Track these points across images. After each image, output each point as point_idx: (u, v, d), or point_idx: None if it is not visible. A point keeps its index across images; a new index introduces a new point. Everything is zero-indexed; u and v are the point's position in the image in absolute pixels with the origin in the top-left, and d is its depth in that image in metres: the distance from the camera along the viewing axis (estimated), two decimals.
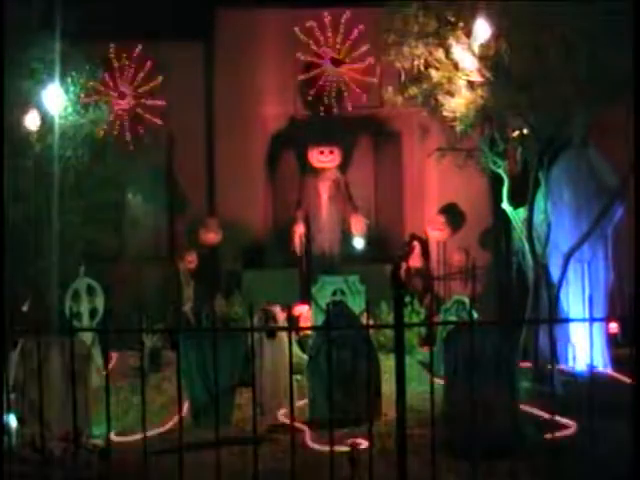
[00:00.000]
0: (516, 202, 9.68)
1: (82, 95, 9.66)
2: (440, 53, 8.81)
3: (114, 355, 10.31)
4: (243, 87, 13.73)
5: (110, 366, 8.58)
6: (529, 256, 9.47)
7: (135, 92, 13.34)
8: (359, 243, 13.79)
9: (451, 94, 8.89)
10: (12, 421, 6.77)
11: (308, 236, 13.78)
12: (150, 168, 13.10)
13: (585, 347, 9.17)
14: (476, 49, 8.57)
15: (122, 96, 12.96)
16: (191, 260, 12.69)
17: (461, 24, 8.70)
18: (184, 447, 5.21)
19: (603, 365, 9.71)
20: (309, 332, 9.72)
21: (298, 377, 8.29)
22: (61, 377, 6.48)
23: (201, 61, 13.91)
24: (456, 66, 8.81)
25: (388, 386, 7.43)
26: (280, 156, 14.55)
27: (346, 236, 13.91)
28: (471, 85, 8.78)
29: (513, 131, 9.39)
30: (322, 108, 13.94)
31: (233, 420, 7.74)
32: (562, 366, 9.52)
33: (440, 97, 8.96)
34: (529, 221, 9.38)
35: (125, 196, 13.01)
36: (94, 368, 8.09)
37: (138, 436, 6.34)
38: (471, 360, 5.46)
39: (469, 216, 13.25)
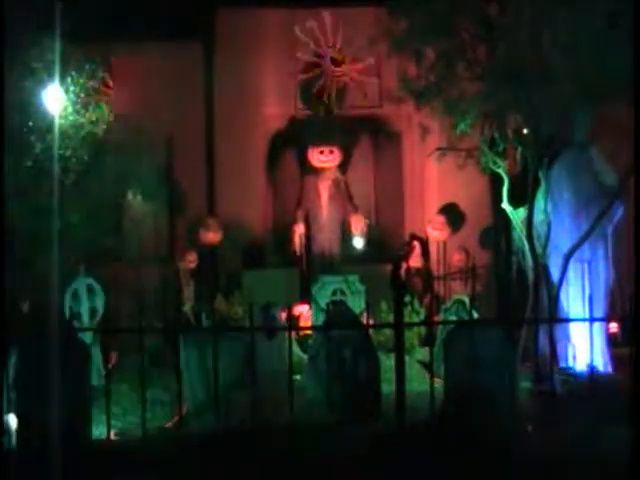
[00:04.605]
0: (516, 202, 9.68)
1: (82, 95, 9.66)
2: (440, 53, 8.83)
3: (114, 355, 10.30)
4: (243, 87, 13.72)
5: (110, 366, 8.58)
6: (529, 256, 9.46)
7: None
8: (359, 243, 13.79)
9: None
10: (12, 421, 6.78)
11: (308, 236, 13.77)
12: (150, 168, 13.08)
13: (585, 347, 9.16)
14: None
15: None
16: (191, 260, 12.69)
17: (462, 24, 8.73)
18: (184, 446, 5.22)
19: (603, 365, 9.71)
20: (309, 332, 9.73)
21: (298, 377, 8.29)
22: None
23: (201, 61, 13.90)
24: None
25: (388, 386, 7.43)
26: (280, 156, 14.55)
27: (346, 236, 13.90)
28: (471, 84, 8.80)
29: (513, 131, 9.39)
30: (322, 108, 13.94)
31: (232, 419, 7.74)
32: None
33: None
34: (529, 221, 9.37)
35: (125, 196, 12.99)
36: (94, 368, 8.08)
37: (138, 435, 6.35)
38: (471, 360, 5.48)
39: (469, 216, 13.24)
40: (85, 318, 10.00)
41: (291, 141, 14.35)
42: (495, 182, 10.70)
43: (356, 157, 14.55)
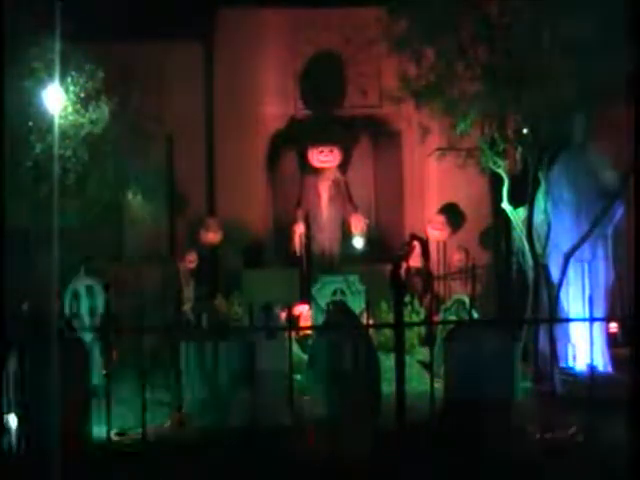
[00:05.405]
0: (516, 202, 9.69)
1: (82, 95, 9.65)
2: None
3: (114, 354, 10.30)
4: (243, 87, 13.72)
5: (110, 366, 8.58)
6: (529, 256, 9.47)
7: None
8: (359, 243, 13.79)
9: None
10: (12, 421, 6.78)
11: (308, 236, 13.77)
12: (150, 168, 13.08)
13: (585, 347, 9.17)
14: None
15: None
16: (191, 260, 12.69)
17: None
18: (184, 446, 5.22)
19: (603, 365, 9.72)
20: (309, 332, 9.73)
21: (298, 377, 8.29)
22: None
23: (201, 61, 13.90)
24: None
25: (388, 386, 7.42)
26: (280, 156, 14.55)
27: (346, 236, 13.90)
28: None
29: (513, 131, 9.39)
30: (322, 108, 13.95)
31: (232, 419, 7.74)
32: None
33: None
34: (529, 221, 9.38)
35: (125, 196, 12.98)
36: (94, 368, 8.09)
37: (138, 435, 6.35)
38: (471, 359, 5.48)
39: (469, 216, 13.24)
40: (85, 318, 10.01)
41: (291, 141, 14.35)
42: (495, 182, 10.70)
43: (356, 157, 14.55)
